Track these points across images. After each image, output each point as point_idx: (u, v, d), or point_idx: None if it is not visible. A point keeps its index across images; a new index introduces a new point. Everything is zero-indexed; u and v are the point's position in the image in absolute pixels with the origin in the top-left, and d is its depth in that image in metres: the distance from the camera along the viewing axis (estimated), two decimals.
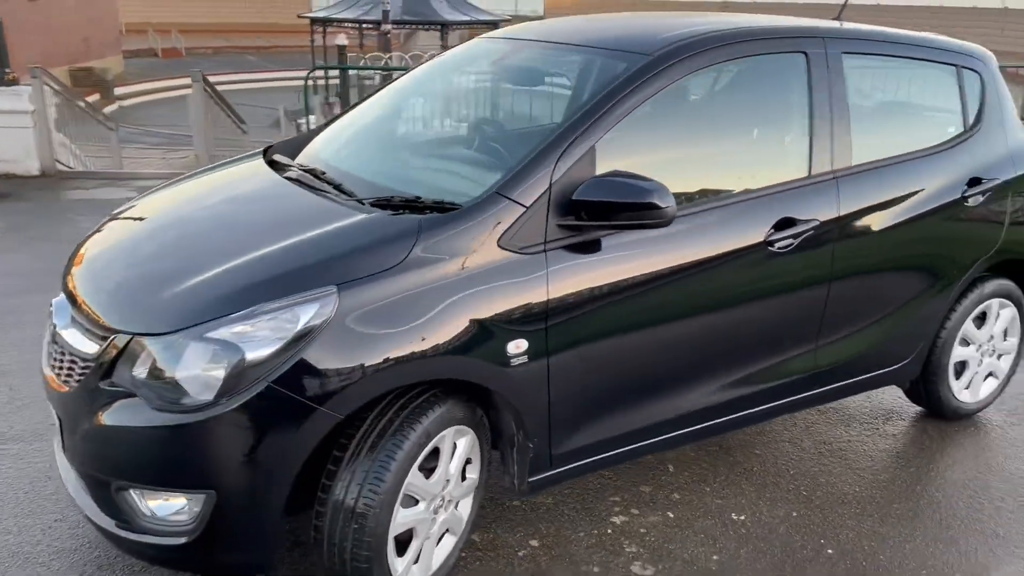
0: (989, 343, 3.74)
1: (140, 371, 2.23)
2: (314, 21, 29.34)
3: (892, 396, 3.98)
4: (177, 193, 3.12)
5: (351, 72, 7.83)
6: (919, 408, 3.91)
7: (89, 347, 2.39)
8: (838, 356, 3.23)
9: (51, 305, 2.70)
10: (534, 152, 2.54)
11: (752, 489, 3.25)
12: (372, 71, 8.54)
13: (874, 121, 3.29)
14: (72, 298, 2.58)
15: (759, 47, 2.95)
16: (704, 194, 2.82)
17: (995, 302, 3.67)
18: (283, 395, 2.19)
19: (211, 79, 9.02)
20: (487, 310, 2.40)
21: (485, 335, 2.40)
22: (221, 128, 9.44)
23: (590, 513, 3.06)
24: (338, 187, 2.78)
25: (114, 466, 2.30)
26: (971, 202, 3.40)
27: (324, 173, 2.91)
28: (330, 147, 3.28)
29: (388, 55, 9.91)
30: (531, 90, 3.31)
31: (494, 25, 32.12)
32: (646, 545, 2.90)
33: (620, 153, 2.61)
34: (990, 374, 3.83)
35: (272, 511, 2.27)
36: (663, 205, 2.42)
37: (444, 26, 28.47)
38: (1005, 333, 3.78)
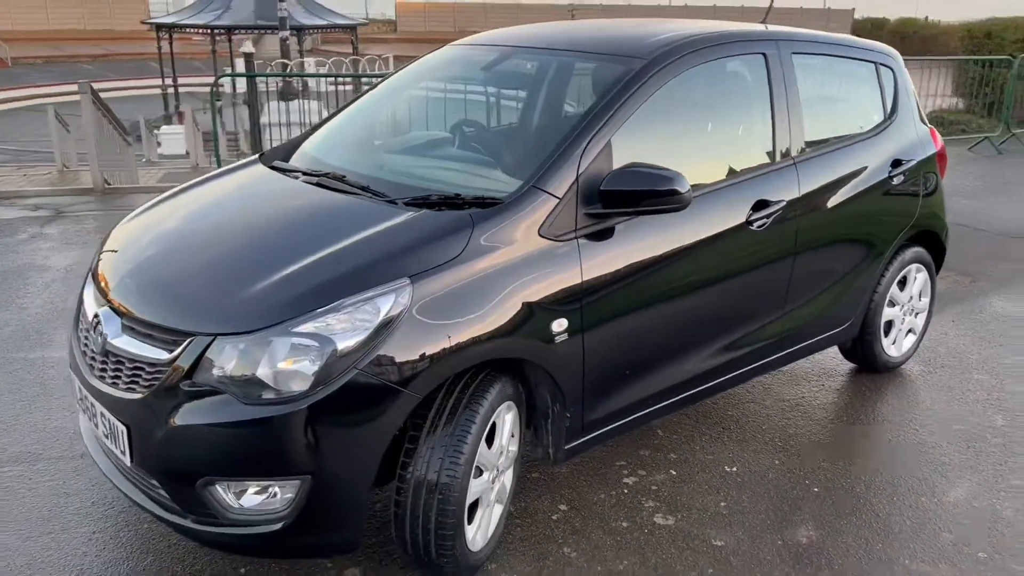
0: (909, 303, 4.30)
1: (226, 370, 2.33)
2: (159, 27, 28.16)
3: (828, 357, 4.48)
4: (195, 200, 3.18)
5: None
6: (851, 365, 4.43)
7: (157, 353, 2.45)
8: (800, 321, 3.66)
9: (88, 319, 2.73)
10: (561, 147, 2.80)
11: (735, 444, 3.64)
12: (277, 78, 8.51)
13: (817, 111, 3.73)
14: (117, 308, 2.62)
15: (730, 49, 3.33)
16: (697, 181, 3.16)
17: (913, 267, 4.23)
18: (370, 381, 2.35)
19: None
20: (536, 293, 2.64)
21: (535, 316, 2.64)
22: (108, 142, 9.11)
23: (603, 478, 3.35)
24: (365, 188, 2.94)
25: (203, 462, 2.38)
26: (895, 181, 3.93)
27: (344, 177, 3.06)
28: (338, 151, 3.43)
29: (295, 61, 9.86)
30: (532, 92, 3.55)
31: (352, 29, 31.84)
32: (661, 499, 3.22)
33: (627, 147, 2.91)
34: (910, 331, 4.39)
35: (361, 489, 2.44)
36: (682, 191, 2.74)
37: (300, 30, 28.03)
38: (920, 295, 4.36)
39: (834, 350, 4.33)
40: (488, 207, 2.70)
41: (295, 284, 2.44)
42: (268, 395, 2.32)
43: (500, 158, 3.27)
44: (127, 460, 2.57)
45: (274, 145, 7.60)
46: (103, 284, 2.79)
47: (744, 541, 2.98)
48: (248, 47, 7.83)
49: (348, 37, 31.53)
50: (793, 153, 3.48)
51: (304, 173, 3.18)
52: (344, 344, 2.33)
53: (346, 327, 2.36)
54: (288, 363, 2.32)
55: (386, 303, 2.40)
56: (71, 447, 3.51)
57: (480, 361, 2.56)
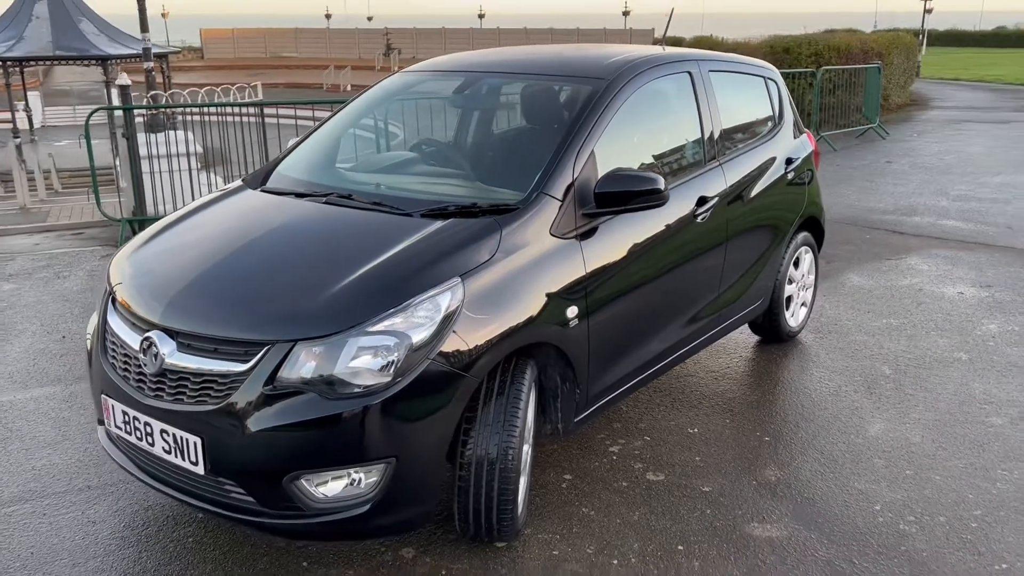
0: (802, 280, 5.03)
1: (310, 371, 2.57)
2: None
3: (736, 333, 5.13)
4: (209, 225, 3.34)
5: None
6: (756, 338, 5.11)
7: (227, 365, 2.64)
8: (730, 299, 4.26)
9: (129, 346, 2.84)
10: (559, 156, 3.22)
11: (689, 410, 4.17)
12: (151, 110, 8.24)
13: (730, 118, 4.34)
14: (168, 329, 2.77)
15: (667, 69, 3.87)
16: None
17: (803, 249, 4.97)
18: (440, 368, 2.67)
19: None
20: (554, 285, 3.04)
21: (555, 305, 3.03)
22: None
23: (591, 449, 3.78)
24: (377, 204, 3.23)
25: (291, 458, 2.60)
26: (790, 176, 4.63)
27: (351, 195, 3.33)
28: (331, 171, 3.70)
29: (168, 92, 9.55)
30: (505, 110, 3.94)
31: (163, 57, 30.59)
32: (646, 461, 3.68)
33: (603, 155, 3.37)
34: (803, 304, 5.13)
35: (437, 466, 2.74)
36: (663, 189, 3.23)
37: (105, 60, 26.62)
38: (808, 272, 5.10)
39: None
40: (504, 213, 3.07)
41: (362, 290, 2.71)
42: (353, 390, 2.58)
43: (496, 170, 3.63)
44: (200, 470, 2.71)
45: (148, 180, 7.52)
46: (140, 311, 2.90)
47: (726, 485, 3.50)
48: (124, 79, 7.65)
49: (155, 66, 30.25)
50: (719, 155, 4.07)
51: (308, 195, 3.40)
52: (418, 338, 2.63)
53: (416, 323, 2.66)
54: (369, 358, 2.59)
55: (445, 300, 2.72)
56: (70, 481, 3.52)
57: (521, 345, 2.92)
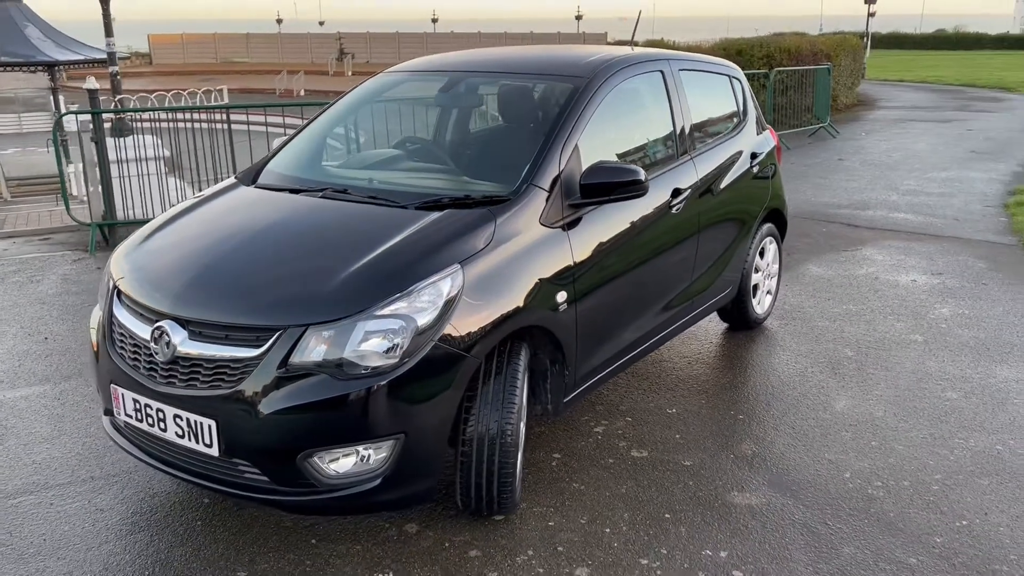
0: (767, 269, 5.28)
1: (321, 354, 2.72)
2: None
3: (705, 321, 5.37)
4: (210, 220, 3.46)
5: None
6: (725, 325, 5.35)
7: (239, 351, 2.78)
8: (702, 287, 4.48)
9: (137, 336, 2.96)
10: (545, 149, 3.40)
11: (667, 392, 4.38)
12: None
13: (699, 115, 4.57)
14: (178, 318, 2.89)
15: (641, 68, 4.08)
16: None
17: (768, 240, 5.22)
18: (445, 349, 2.83)
19: None
20: (545, 271, 3.22)
21: (547, 290, 3.21)
22: None
23: (577, 431, 3.96)
24: (373, 197, 3.38)
25: (304, 437, 2.74)
26: (755, 170, 4.88)
27: (347, 190, 3.47)
28: (322, 167, 3.82)
29: (116, 98, 9.48)
30: (489, 107, 4.11)
31: (110, 61, 30.20)
32: (629, 439, 3.88)
33: (584, 148, 3.56)
34: (768, 292, 5.38)
35: (442, 442, 2.90)
36: (644, 180, 3.43)
37: (52, 66, 26.20)
38: (773, 261, 5.36)
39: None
40: (496, 204, 3.24)
41: (368, 277, 2.86)
42: (363, 371, 2.72)
43: (484, 164, 3.80)
44: (214, 452, 2.84)
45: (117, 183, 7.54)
46: (149, 302, 3.01)
47: (706, 460, 3.71)
48: (92, 82, 7.64)
49: (96, 71, 29.77)
50: (690, 149, 4.29)
51: (303, 190, 3.54)
52: (423, 321, 2.79)
53: (420, 307, 2.82)
54: (377, 341, 2.74)
55: (446, 285, 2.88)
56: (73, 473, 3.61)
57: (516, 328, 3.10)
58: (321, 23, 75.06)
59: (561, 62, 4.05)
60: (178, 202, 8.60)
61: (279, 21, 65.03)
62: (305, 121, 4.21)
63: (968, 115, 18.45)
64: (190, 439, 2.87)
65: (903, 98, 23.02)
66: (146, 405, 2.96)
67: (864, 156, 12.80)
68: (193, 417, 2.84)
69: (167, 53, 51.48)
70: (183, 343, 2.86)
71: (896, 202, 9.29)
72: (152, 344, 2.93)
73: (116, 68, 10.76)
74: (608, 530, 3.18)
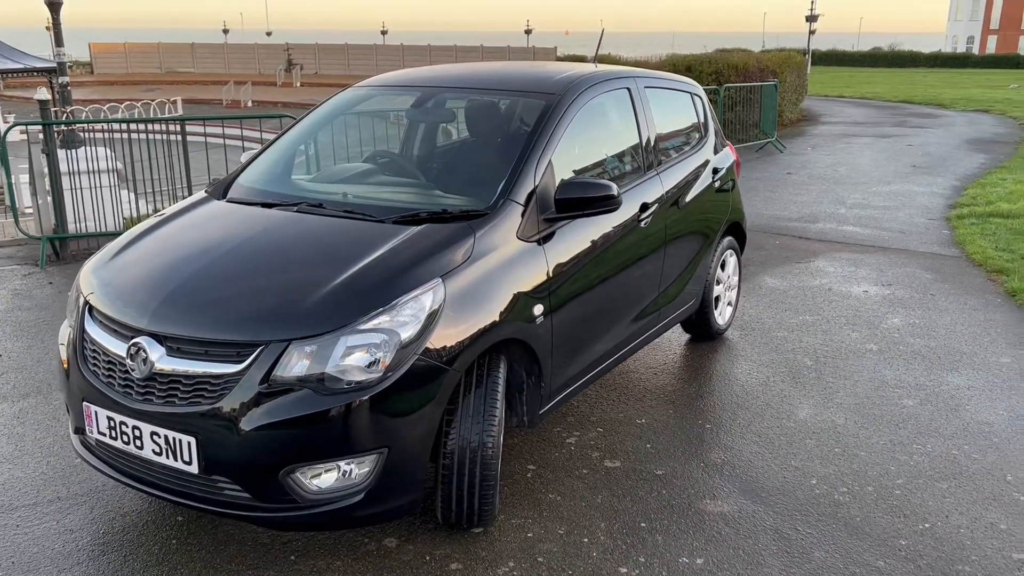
0: (728, 281, 5.40)
1: (304, 369, 2.71)
2: None
3: (669, 333, 5.46)
4: (183, 234, 3.42)
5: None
6: (687, 336, 5.45)
7: (219, 367, 2.76)
8: (669, 298, 4.57)
9: (112, 352, 2.91)
10: (521, 164, 3.45)
11: (635, 402, 4.45)
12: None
13: (663, 130, 4.67)
14: (155, 335, 2.86)
15: (608, 85, 4.16)
16: None
17: (728, 252, 5.34)
18: (427, 362, 2.85)
19: None
20: (523, 285, 3.26)
21: (524, 303, 3.26)
22: None
23: (549, 442, 4.00)
24: (349, 212, 3.39)
25: (287, 453, 2.73)
26: (717, 184, 5.00)
27: (322, 204, 3.47)
28: (294, 182, 3.82)
29: (67, 109, 9.27)
30: (459, 123, 4.14)
31: (52, 72, 29.45)
32: (602, 449, 3.93)
33: (557, 164, 3.62)
34: (729, 303, 5.50)
35: (424, 456, 2.91)
36: (617, 195, 3.49)
37: None
38: (733, 273, 5.48)
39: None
40: (474, 218, 3.27)
41: (350, 291, 2.87)
42: (345, 386, 2.73)
43: (458, 179, 3.83)
44: (193, 469, 2.81)
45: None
46: (124, 318, 2.97)
47: (677, 468, 3.78)
48: (43, 93, 7.47)
49: (43, 81, 29.10)
50: (656, 164, 4.38)
51: (277, 204, 3.53)
52: (406, 335, 2.81)
53: (403, 321, 2.83)
54: (362, 354, 2.75)
55: (428, 299, 2.90)
56: (38, 493, 3.52)
57: (496, 341, 3.13)
58: (269, 33, 74.27)
59: (531, 79, 4.11)
60: (131, 215, 8.48)
61: (225, 31, 64.15)
62: (276, 135, 4.19)
63: (907, 130, 19.08)
64: (168, 457, 2.84)
65: (845, 113, 23.69)
66: (121, 423, 2.92)
67: (811, 170, 13.14)
68: (171, 434, 2.81)
69: (109, 62, 50.36)
70: (161, 359, 2.83)
71: (844, 215, 9.56)
72: (128, 360, 2.89)
73: (67, 78, 10.53)
74: (586, 540, 3.22)
